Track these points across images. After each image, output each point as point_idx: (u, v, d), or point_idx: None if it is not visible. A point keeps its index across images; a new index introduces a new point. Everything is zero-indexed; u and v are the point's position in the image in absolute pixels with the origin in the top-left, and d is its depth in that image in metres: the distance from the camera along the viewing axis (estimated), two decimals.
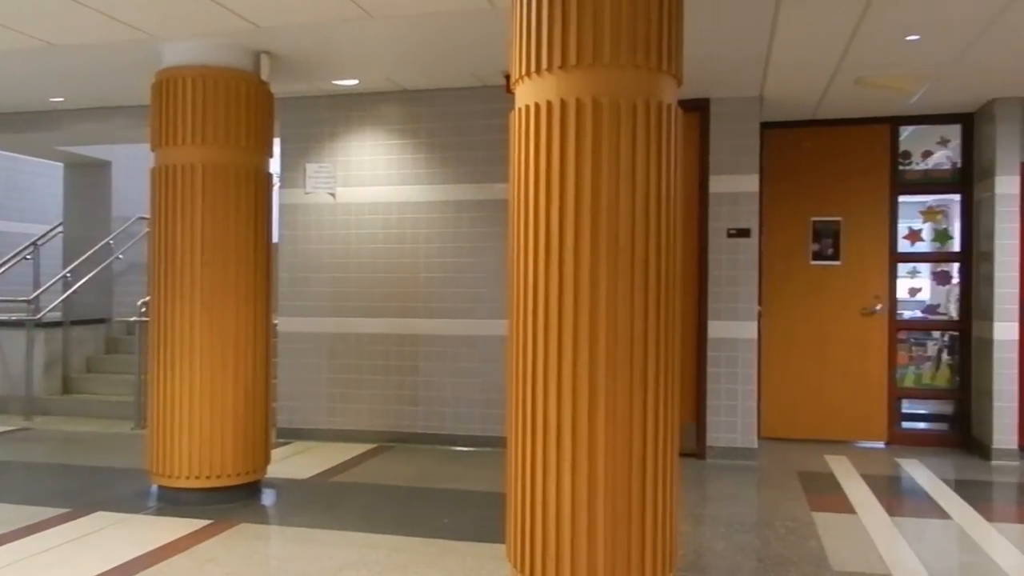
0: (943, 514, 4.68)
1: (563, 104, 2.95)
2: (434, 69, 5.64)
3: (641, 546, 2.98)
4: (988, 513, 4.71)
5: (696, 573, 3.67)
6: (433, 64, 5.47)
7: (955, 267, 6.63)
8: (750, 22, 4.38)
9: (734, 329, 5.97)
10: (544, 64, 2.99)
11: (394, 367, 6.38)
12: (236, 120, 4.70)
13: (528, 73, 3.05)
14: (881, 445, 6.55)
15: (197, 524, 4.31)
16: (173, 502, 4.66)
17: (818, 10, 4.18)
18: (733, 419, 5.98)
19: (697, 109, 6.00)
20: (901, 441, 6.57)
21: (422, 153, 6.36)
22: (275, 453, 5.72)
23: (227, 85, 4.68)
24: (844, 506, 4.80)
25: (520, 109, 3.10)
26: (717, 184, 6.00)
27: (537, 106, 3.01)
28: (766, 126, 6.58)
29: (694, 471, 5.66)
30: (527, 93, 3.08)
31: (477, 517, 4.46)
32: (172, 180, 4.64)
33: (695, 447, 6.02)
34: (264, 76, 4.93)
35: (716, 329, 5.99)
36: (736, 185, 5.97)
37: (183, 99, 4.63)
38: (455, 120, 6.29)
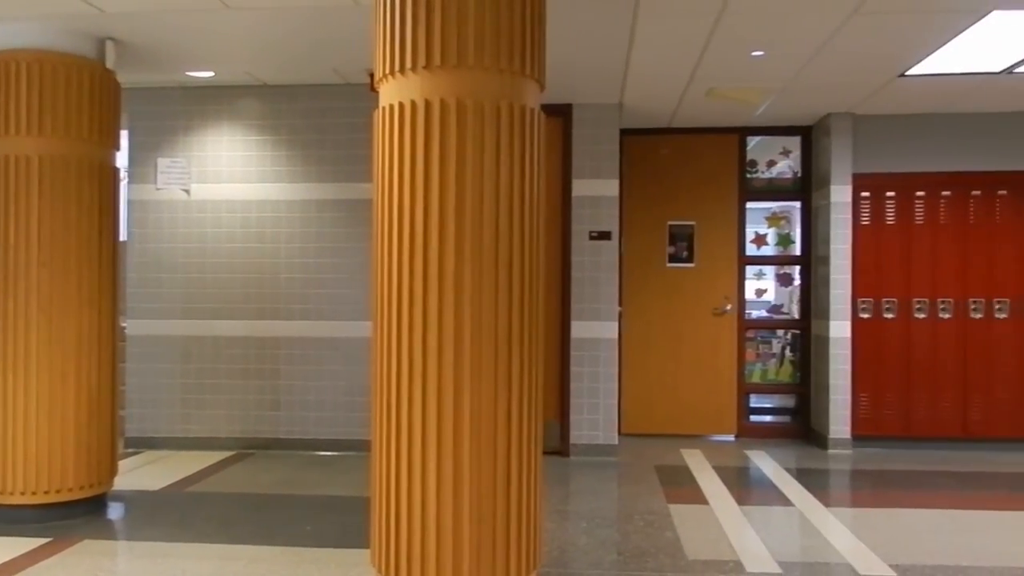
0: (786, 501, 4.99)
1: (427, 104, 2.94)
2: (295, 64, 5.49)
3: (506, 545, 3.01)
4: (825, 499, 5.07)
5: (560, 569, 3.75)
6: (294, 59, 5.32)
7: (796, 270, 7.10)
8: (610, 32, 4.53)
9: (596, 329, 6.14)
10: (408, 64, 2.97)
11: (254, 371, 6.15)
12: (78, 110, 4.39)
13: (392, 72, 3.03)
14: (731, 438, 6.92)
15: (34, 543, 4.00)
16: (7, 520, 4.30)
17: (672, 24, 4.37)
18: (595, 417, 6.15)
19: (560, 114, 6.13)
20: (749, 434, 6.97)
21: (283, 150, 6.17)
22: (123, 464, 5.40)
23: (68, 72, 4.36)
24: (698, 497, 5.03)
25: (384, 108, 3.07)
26: (580, 188, 6.15)
27: (401, 105, 2.99)
28: (626, 132, 6.80)
29: (558, 469, 5.77)
30: (391, 92, 3.05)
31: (341, 523, 4.38)
32: (4, 172, 4.29)
33: (559, 445, 6.15)
34: (110, 64, 4.63)
35: (579, 329, 6.15)
36: (598, 189, 6.15)
37: (17, 85, 4.29)
38: (317, 117, 6.14)
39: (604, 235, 6.16)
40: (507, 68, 2.99)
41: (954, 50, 4.78)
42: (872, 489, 5.49)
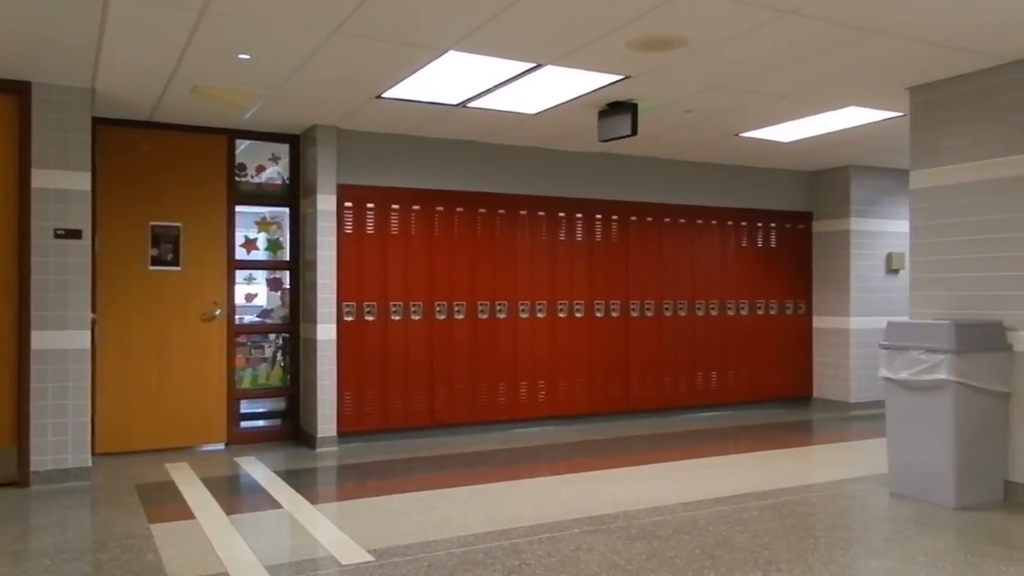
0: (275, 504, 5.04)
1: None
2: None
3: None
4: (313, 497, 5.25)
5: None
6: None
7: (287, 274, 7.23)
8: (78, 7, 4.05)
9: (63, 339, 5.45)
10: None
11: None
12: None
13: None
14: (222, 447, 6.75)
15: None
16: None
17: (151, 9, 4.09)
18: (63, 438, 5.44)
19: (15, 92, 5.30)
20: (241, 440, 6.87)
21: None
22: None
23: None
24: (183, 513, 4.78)
25: None
26: (42, 179, 5.39)
27: None
28: (103, 122, 6.19)
29: (14, 502, 4.98)
30: None
31: None
32: None
33: (16, 474, 5.31)
34: None
35: (41, 340, 5.38)
36: (65, 182, 5.46)
37: None
38: None
39: (73, 233, 5.49)
40: None
41: (421, 80, 5.36)
42: (355, 482, 5.85)
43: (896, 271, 8.83)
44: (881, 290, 8.84)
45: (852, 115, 6.37)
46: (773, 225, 8.98)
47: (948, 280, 5.30)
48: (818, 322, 9.12)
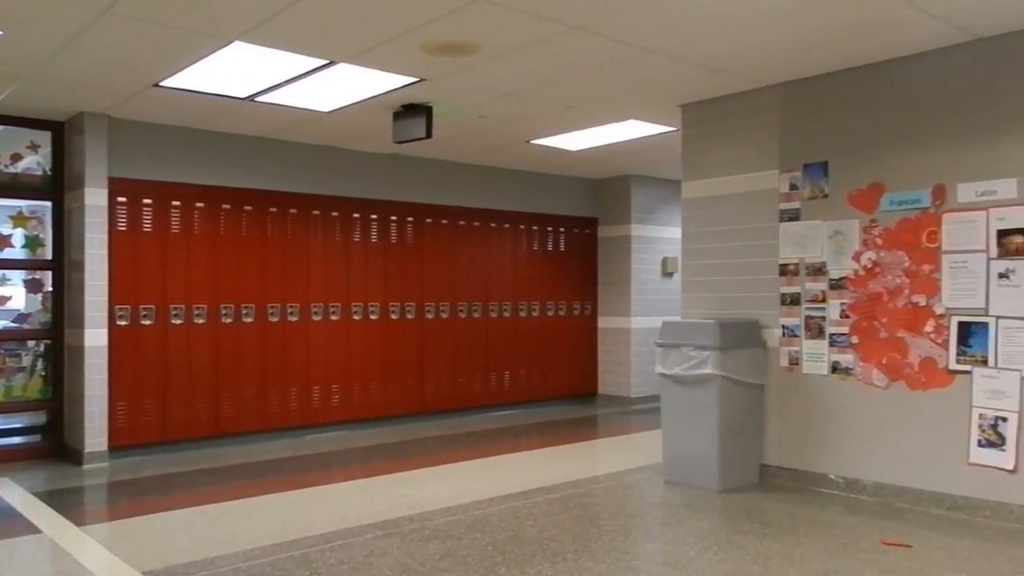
0: (34, 529, 4.55)
1: None
2: None
3: None
4: (79, 518, 4.79)
5: None
6: None
7: (48, 275, 6.56)
8: None
9: None
10: None
11: None
12: None
13: None
14: None
15: None
16: None
17: None
18: None
19: None
20: None
21: None
22: None
23: None
24: None
25: None
26: None
27: None
28: None
29: None
30: None
31: None
32: None
33: None
34: None
35: None
36: None
37: None
38: None
39: None
40: None
41: (206, 70, 5.07)
42: (129, 499, 5.42)
43: (671, 274, 9.52)
44: (658, 292, 9.51)
45: (632, 128, 6.80)
46: (562, 230, 9.39)
47: (714, 283, 5.80)
48: (603, 322, 9.65)
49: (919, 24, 4.30)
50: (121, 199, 6.38)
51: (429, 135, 5.99)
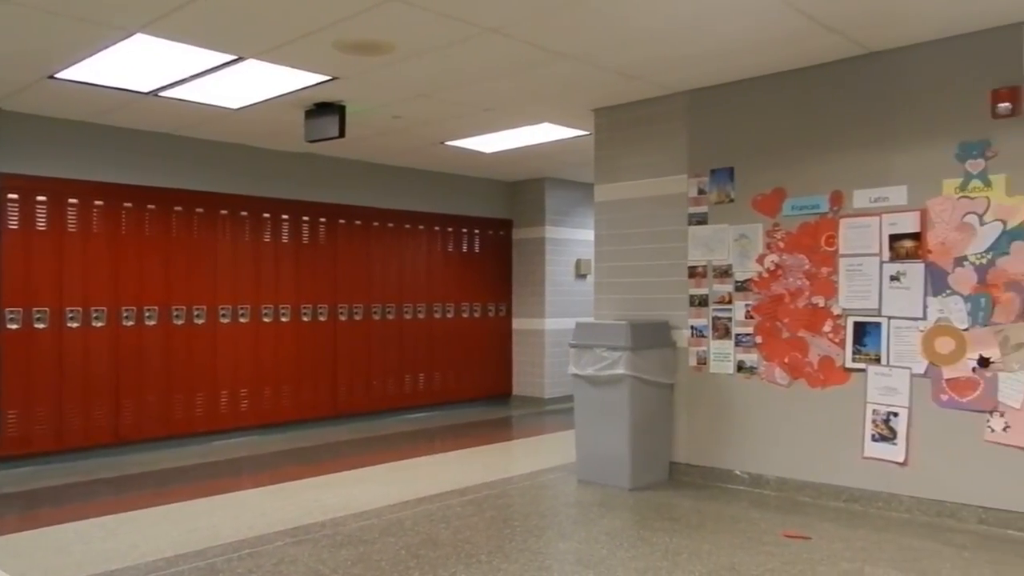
0: None
1: None
2: None
3: None
4: None
5: None
6: None
7: None
8: None
9: None
10: None
11: None
12: None
13: None
14: None
15: None
16: None
17: None
18: None
19: None
20: None
21: None
22: None
23: None
24: None
25: None
26: None
27: None
28: None
29: None
30: None
31: None
32: None
33: None
34: None
35: None
36: None
37: None
38: None
39: None
40: None
41: (108, 63, 4.86)
42: (19, 512, 5.14)
43: (584, 276, 9.65)
44: (572, 293, 9.63)
45: (546, 131, 6.86)
46: (477, 231, 9.40)
47: (626, 284, 5.91)
48: (517, 324, 9.70)
49: (818, 37, 4.49)
50: (12, 196, 6.05)
51: (342, 134, 5.90)
